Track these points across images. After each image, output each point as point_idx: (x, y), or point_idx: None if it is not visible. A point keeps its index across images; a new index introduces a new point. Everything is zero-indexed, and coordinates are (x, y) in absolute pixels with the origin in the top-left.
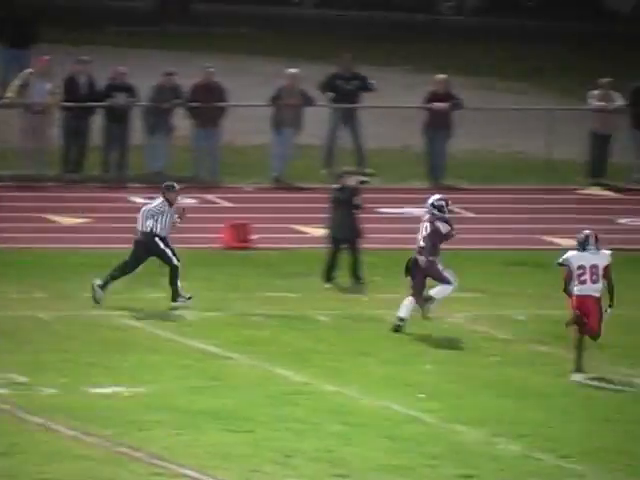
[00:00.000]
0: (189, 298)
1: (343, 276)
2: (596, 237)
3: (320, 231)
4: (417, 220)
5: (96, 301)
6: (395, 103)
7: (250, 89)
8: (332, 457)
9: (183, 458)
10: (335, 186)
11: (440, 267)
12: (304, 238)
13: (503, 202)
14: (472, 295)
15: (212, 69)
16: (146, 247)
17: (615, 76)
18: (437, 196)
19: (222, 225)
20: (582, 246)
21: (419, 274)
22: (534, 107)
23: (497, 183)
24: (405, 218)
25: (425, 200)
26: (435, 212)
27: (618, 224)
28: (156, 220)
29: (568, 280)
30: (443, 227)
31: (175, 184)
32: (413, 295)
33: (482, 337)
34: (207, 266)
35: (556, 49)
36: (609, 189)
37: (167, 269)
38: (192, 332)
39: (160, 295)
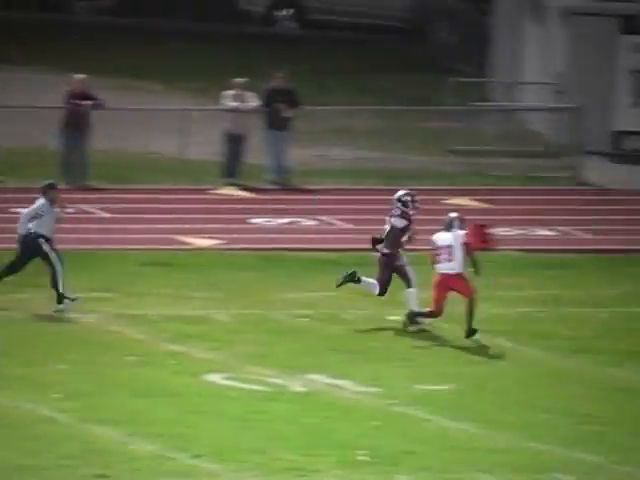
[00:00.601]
0: (74, 299)
1: None
2: (461, 220)
3: None
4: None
5: None
6: (30, 102)
7: None
8: None
9: None
10: None
11: (401, 262)
12: None
13: (139, 202)
14: (107, 295)
15: None
16: (30, 249)
17: (249, 76)
18: (403, 192)
19: None
20: (448, 228)
21: (382, 268)
22: (169, 107)
23: (133, 183)
24: None
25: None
26: (399, 206)
27: (251, 224)
28: (39, 221)
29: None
30: (399, 222)
31: (55, 182)
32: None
33: (117, 337)
34: None
35: (191, 49)
36: (243, 189)
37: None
38: None
39: None
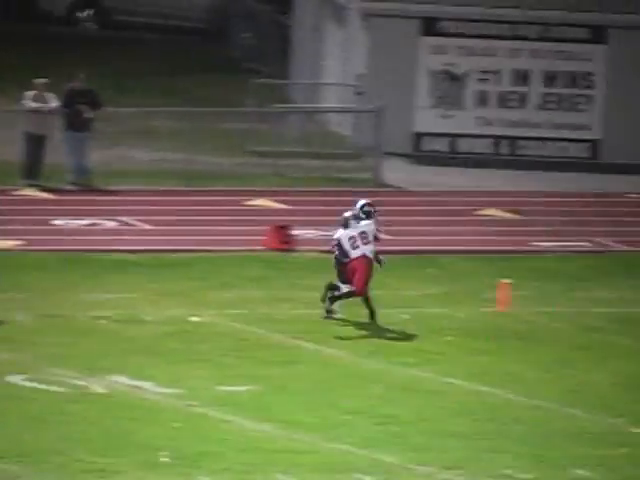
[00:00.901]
0: None
1: None
2: (355, 217)
3: None
4: None
5: None
6: None
7: None
8: None
9: None
10: None
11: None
12: None
13: None
14: None
15: None
16: None
17: (50, 77)
18: (364, 201)
19: None
20: (345, 226)
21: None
22: None
23: None
24: None
25: None
26: (362, 216)
27: (53, 225)
28: None
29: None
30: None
31: None
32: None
33: None
34: None
35: None
36: (44, 190)
37: None
38: None
39: None
